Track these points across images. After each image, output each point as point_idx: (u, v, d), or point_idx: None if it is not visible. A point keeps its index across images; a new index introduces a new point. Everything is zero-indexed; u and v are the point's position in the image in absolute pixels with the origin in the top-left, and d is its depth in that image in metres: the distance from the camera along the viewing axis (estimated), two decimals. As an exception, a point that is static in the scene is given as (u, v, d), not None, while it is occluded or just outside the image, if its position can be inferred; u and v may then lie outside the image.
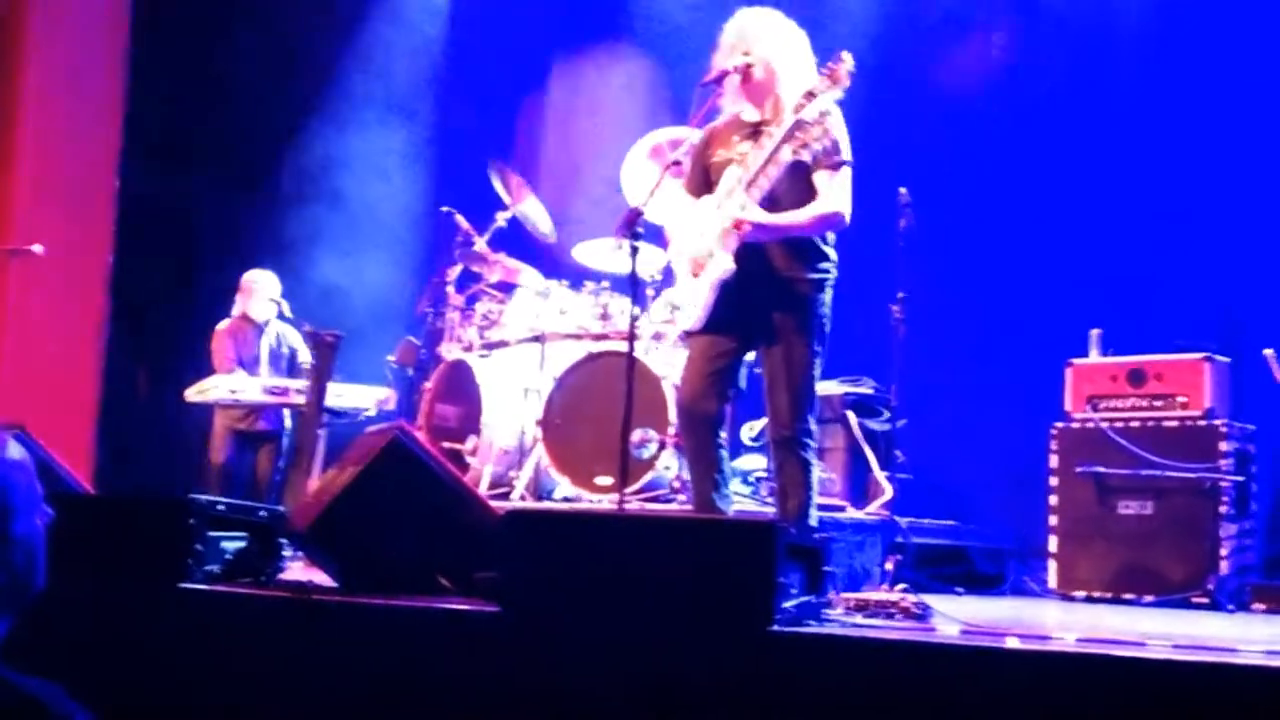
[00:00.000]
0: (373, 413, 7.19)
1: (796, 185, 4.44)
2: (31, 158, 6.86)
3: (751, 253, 4.45)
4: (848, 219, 4.49)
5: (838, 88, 4.28)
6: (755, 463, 6.38)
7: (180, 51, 8.85)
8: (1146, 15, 6.73)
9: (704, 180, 4.66)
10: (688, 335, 4.69)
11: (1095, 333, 6.14)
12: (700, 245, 4.53)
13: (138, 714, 3.65)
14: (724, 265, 4.45)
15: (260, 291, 7.88)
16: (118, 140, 7.18)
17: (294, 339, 7.94)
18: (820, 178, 4.40)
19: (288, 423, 7.78)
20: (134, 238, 7.99)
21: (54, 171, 6.90)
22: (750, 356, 4.77)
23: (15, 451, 2.06)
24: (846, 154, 4.44)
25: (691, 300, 4.57)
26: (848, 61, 4.27)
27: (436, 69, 9.48)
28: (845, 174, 4.45)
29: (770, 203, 4.40)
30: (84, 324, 6.97)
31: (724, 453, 4.63)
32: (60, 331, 6.91)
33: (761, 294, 4.47)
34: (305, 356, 7.70)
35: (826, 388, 6.41)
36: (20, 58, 6.85)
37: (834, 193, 4.41)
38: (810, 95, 4.29)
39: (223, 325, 7.97)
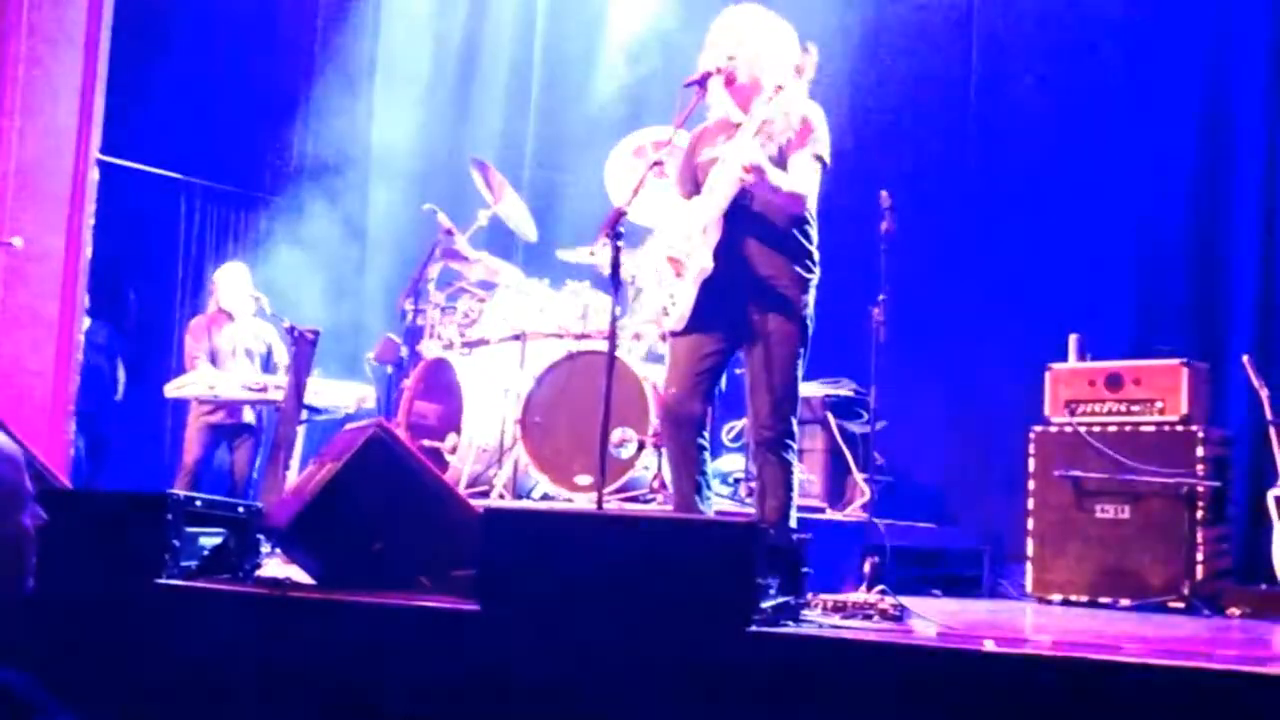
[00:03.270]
0: (352, 410, 7.17)
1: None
2: (9, 151, 6.82)
3: (734, 254, 4.45)
4: (809, 206, 4.49)
5: (801, 78, 4.39)
6: (735, 463, 6.38)
7: (160, 45, 8.83)
8: (1121, 20, 6.76)
9: (694, 182, 4.66)
10: (672, 336, 4.68)
11: (1074, 337, 6.16)
12: (684, 245, 4.53)
13: (115, 709, 3.63)
14: (701, 263, 4.44)
15: (232, 285, 7.84)
16: (97, 133, 7.15)
17: (271, 335, 7.90)
18: (794, 160, 4.41)
19: (249, 416, 7.74)
20: (112, 232, 7.93)
21: (32, 165, 6.86)
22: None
23: (5, 444, 1.98)
24: (822, 149, 4.46)
25: (675, 300, 4.56)
26: (813, 52, 4.42)
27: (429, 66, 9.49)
28: (814, 164, 4.46)
29: (747, 198, 4.40)
30: (61, 318, 6.93)
31: (706, 454, 4.62)
32: (37, 325, 6.87)
33: (744, 295, 4.47)
34: (282, 353, 7.67)
35: (806, 389, 6.40)
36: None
37: (803, 174, 4.42)
38: (779, 89, 4.36)
39: (197, 320, 7.94)
